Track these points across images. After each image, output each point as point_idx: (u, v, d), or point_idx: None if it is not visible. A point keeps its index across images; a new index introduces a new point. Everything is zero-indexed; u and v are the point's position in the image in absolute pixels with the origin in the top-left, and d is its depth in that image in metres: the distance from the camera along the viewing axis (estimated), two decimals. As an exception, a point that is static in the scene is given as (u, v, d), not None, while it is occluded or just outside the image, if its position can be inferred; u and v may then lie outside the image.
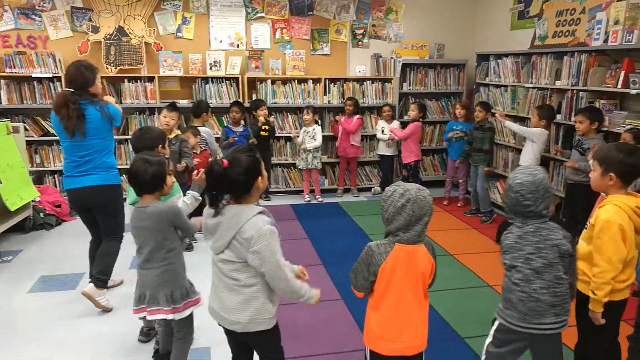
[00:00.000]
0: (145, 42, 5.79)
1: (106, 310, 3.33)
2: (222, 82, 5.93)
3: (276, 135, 5.92)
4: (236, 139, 5.27)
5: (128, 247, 3.64)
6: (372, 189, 6.46)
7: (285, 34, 6.26)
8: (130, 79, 5.69)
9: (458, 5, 6.66)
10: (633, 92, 3.90)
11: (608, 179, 2.20)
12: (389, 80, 6.40)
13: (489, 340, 2.22)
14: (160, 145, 2.90)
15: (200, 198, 2.70)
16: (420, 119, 5.84)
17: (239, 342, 2.17)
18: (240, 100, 5.87)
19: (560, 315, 2.07)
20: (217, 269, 2.04)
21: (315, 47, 6.38)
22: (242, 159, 1.94)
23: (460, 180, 5.92)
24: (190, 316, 2.51)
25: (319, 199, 6.04)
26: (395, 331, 1.97)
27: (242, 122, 5.44)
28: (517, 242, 2.05)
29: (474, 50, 6.40)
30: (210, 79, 5.89)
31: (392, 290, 1.94)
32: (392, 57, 6.44)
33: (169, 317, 2.41)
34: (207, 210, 2.03)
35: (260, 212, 1.96)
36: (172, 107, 4.34)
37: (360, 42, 6.52)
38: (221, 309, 2.05)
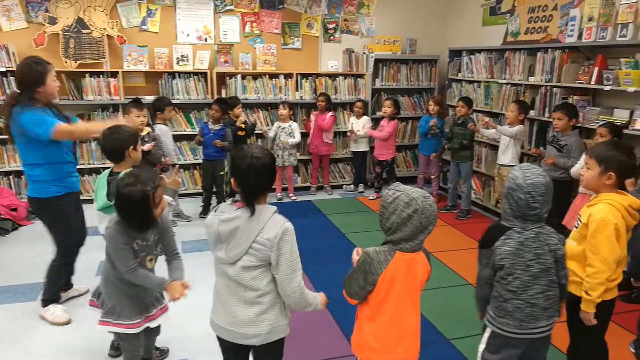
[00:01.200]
0: (107, 35, 5.49)
1: (61, 324, 3.11)
2: (190, 77, 5.69)
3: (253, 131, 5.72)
4: (203, 139, 5.08)
5: (95, 252, 3.43)
6: (344, 187, 6.37)
7: (255, 27, 6.07)
8: (92, 74, 5.38)
9: (429, 0, 6.62)
10: (607, 88, 3.94)
11: (607, 177, 2.15)
12: (361, 76, 6.31)
13: (482, 346, 2.14)
14: (132, 147, 2.67)
15: (174, 203, 2.55)
16: (395, 116, 5.78)
17: (239, 355, 2.04)
18: (209, 95, 5.67)
19: (552, 317, 2.06)
20: (230, 282, 1.89)
21: (287, 42, 6.22)
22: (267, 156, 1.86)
23: (433, 177, 5.90)
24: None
25: (292, 197, 5.91)
26: (391, 342, 1.87)
27: (222, 121, 5.21)
28: (519, 249, 1.95)
29: (446, 45, 6.39)
30: (177, 74, 5.65)
31: (390, 300, 1.82)
32: (364, 53, 6.35)
33: (139, 330, 2.30)
34: (220, 217, 1.85)
35: (275, 211, 1.89)
36: (141, 103, 4.09)
37: (332, 37, 6.40)
38: (233, 324, 1.91)
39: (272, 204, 1.91)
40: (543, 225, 1.98)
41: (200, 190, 5.52)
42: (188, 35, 5.84)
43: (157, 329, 2.51)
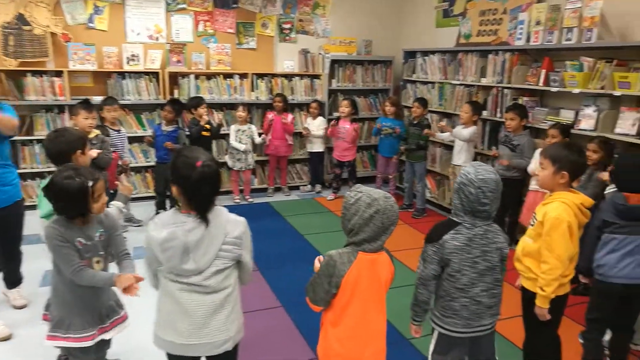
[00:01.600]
0: (50, 33, 5.22)
1: (1, 340, 2.92)
2: (141, 77, 5.50)
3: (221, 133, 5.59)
4: (155, 141, 4.92)
5: (38, 261, 3.24)
6: (301, 188, 6.33)
7: (209, 27, 5.93)
8: (34, 73, 5.10)
9: (384, 1, 6.68)
10: (554, 89, 4.08)
11: (560, 177, 2.21)
12: (317, 77, 6.29)
13: (432, 348, 2.15)
14: (80, 151, 2.52)
15: (126, 210, 2.43)
16: (354, 116, 5.78)
17: None
18: (161, 95, 5.50)
19: (495, 315, 2.10)
20: (195, 292, 1.79)
21: (241, 41, 6.12)
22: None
23: (390, 176, 5.95)
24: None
25: (249, 200, 5.81)
26: (358, 347, 1.84)
27: (178, 123, 5.04)
28: (467, 244, 1.95)
29: (401, 47, 6.47)
30: (127, 74, 5.44)
31: (355, 302, 1.80)
32: (320, 53, 6.34)
33: (91, 343, 2.15)
34: (184, 228, 1.74)
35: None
36: (90, 105, 3.89)
37: (287, 37, 6.35)
38: (204, 336, 1.81)
39: (229, 206, 1.86)
40: (491, 224, 2.01)
41: (153, 194, 5.35)
42: (138, 34, 5.64)
43: (108, 341, 2.38)
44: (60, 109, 5.23)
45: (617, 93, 3.60)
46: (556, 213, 2.13)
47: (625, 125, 3.63)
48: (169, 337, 1.83)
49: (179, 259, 1.74)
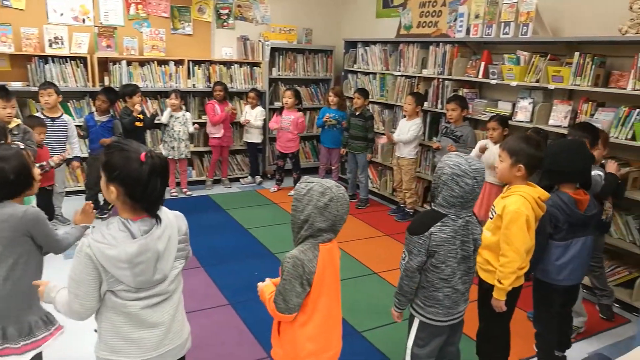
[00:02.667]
0: (-42, 10, 4.69)
1: None
2: (67, 62, 5.08)
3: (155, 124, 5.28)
4: (89, 132, 4.58)
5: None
6: (241, 180, 6.17)
7: (141, 10, 5.58)
8: (-61, 55, 4.57)
9: (324, -10, 6.62)
10: (493, 82, 4.21)
11: (517, 169, 2.25)
12: (257, 65, 6.12)
13: (411, 342, 2.13)
14: (2, 142, 2.27)
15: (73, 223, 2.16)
16: (297, 106, 5.68)
17: None
18: (91, 82, 5.12)
19: (466, 301, 2.13)
20: (156, 299, 1.61)
21: (176, 26, 5.82)
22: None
23: (333, 167, 5.93)
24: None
25: (186, 193, 5.57)
26: (328, 339, 1.82)
27: (110, 112, 4.69)
28: (453, 236, 1.95)
29: (342, 36, 6.43)
30: (50, 58, 5.00)
31: (323, 296, 1.75)
32: (260, 41, 6.16)
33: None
34: (155, 235, 1.55)
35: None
36: (7, 92, 3.52)
37: (225, 23, 6.12)
38: (168, 342, 1.67)
39: (166, 200, 1.67)
40: (472, 214, 2.03)
41: (82, 188, 4.99)
42: (62, 14, 5.19)
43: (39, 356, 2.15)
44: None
45: (551, 86, 3.77)
46: (515, 207, 2.16)
47: (558, 117, 3.81)
48: (133, 357, 1.63)
49: (152, 271, 1.56)
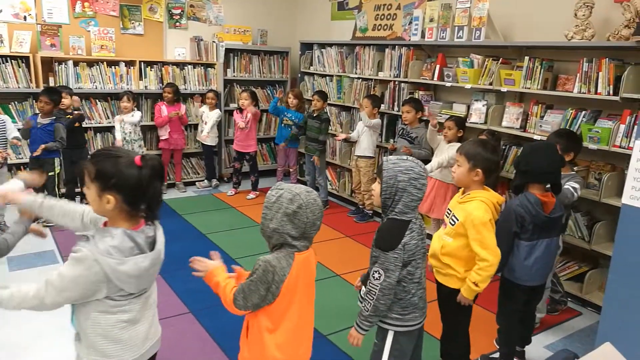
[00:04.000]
0: None
1: None
2: (7, 61, 4.78)
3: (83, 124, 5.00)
4: (31, 132, 4.33)
5: None
6: (197, 184, 6.03)
7: (88, 7, 5.34)
8: None
9: (278, -9, 6.58)
10: (448, 84, 4.31)
11: (474, 174, 2.28)
12: (212, 66, 6.01)
13: (386, 356, 2.03)
14: None
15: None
16: (255, 107, 5.60)
17: None
18: (33, 83, 4.85)
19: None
20: (150, 295, 1.65)
21: (126, 26, 5.61)
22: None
23: (291, 169, 5.90)
24: None
25: (140, 198, 5.38)
26: (296, 349, 1.78)
27: (53, 115, 4.44)
28: (420, 239, 1.95)
29: (297, 38, 6.41)
30: (-11, 57, 4.71)
31: (294, 305, 1.72)
32: (214, 41, 6.05)
33: None
34: (158, 249, 1.56)
35: None
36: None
37: (177, 23, 5.96)
38: (153, 335, 1.70)
39: None
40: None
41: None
42: (1, 11, 4.89)
43: None
44: None
45: (504, 89, 3.90)
46: (480, 212, 2.19)
47: (511, 118, 3.95)
48: (128, 357, 1.61)
49: (153, 279, 1.62)
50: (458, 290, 2.30)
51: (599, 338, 1.41)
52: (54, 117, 4.39)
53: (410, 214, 1.92)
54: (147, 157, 1.52)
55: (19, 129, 4.34)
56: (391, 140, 4.90)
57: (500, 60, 3.98)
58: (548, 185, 2.47)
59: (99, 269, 1.42)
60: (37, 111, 4.51)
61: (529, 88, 3.71)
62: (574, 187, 2.80)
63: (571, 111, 3.52)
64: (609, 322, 1.46)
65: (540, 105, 3.77)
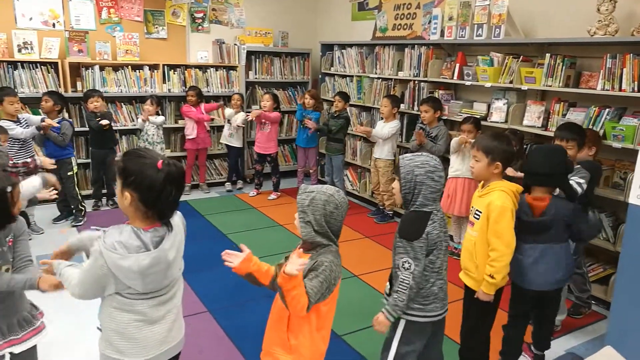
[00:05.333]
0: None
1: None
2: (37, 67, 4.96)
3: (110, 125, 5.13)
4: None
5: None
6: (225, 184, 6.10)
7: (114, 14, 5.49)
8: None
9: (299, -7, 6.62)
10: (467, 83, 4.25)
11: (494, 167, 2.28)
12: (234, 68, 6.08)
13: (396, 342, 2.09)
14: None
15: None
16: (276, 110, 5.65)
17: None
18: (62, 88, 5.00)
19: None
20: (163, 303, 1.67)
21: (150, 31, 5.74)
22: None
23: (311, 170, 5.92)
24: (34, 351, 2.05)
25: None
26: (325, 346, 1.90)
27: (60, 116, 4.58)
28: (440, 229, 1.99)
29: (318, 39, 6.43)
30: (20, 64, 4.88)
31: (334, 300, 1.84)
32: (235, 44, 6.13)
33: (4, 352, 1.92)
34: (167, 244, 1.58)
35: None
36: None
37: (200, 27, 6.06)
38: (172, 339, 1.75)
39: None
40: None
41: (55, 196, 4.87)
42: (31, 19, 5.08)
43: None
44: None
45: (524, 87, 3.83)
46: (501, 202, 2.19)
47: (532, 117, 3.87)
48: (139, 356, 1.67)
49: (162, 279, 1.61)
50: (474, 292, 2.30)
51: (607, 339, 1.37)
52: (62, 117, 4.51)
53: (431, 205, 1.98)
54: (169, 162, 1.57)
55: (39, 130, 4.35)
56: (411, 140, 4.82)
57: (521, 58, 3.90)
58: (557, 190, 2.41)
59: (103, 262, 1.49)
60: (66, 115, 4.66)
61: (550, 86, 3.63)
62: (577, 182, 2.73)
63: (594, 109, 3.42)
64: (618, 322, 1.42)
65: (562, 103, 3.68)
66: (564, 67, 3.54)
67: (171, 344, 1.73)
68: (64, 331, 2.90)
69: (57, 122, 4.42)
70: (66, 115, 4.74)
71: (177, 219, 1.70)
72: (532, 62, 3.91)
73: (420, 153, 2.03)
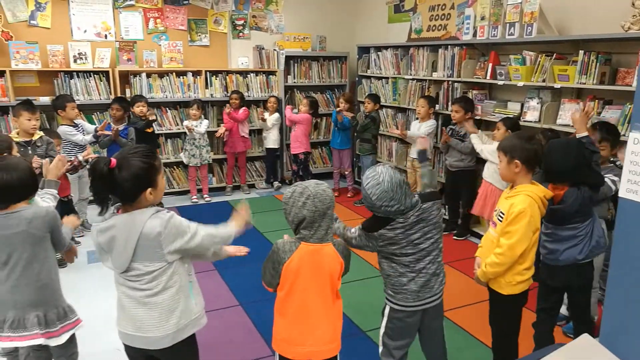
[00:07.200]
0: (-10, 31, 5.00)
1: None
2: (90, 76, 5.34)
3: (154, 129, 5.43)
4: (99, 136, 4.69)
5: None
6: (256, 184, 6.31)
7: (160, 24, 5.82)
8: (-27, 74, 4.88)
9: (337, -3, 6.74)
10: (500, 83, 4.21)
11: (514, 166, 2.24)
12: (273, 73, 6.27)
13: (382, 330, 2.22)
14: (6, 154, 2.48)
15: (59, 196, 2.40)
16: (311, 114, 5.80)
17: None
18: (113, 95, 5.35)
19: (442, 282, 2.17)
20: (127, 288, 1.81)
21: (194, 38, 6.03)
22: (133, 163, 1.72)
23: (346, 172, 6.01)
24: (73, 341, 2.22)
25: (207, 199, 5.75)
26: (300, 335, 1.92)
27: (125, 121, 4.94)
28: (404, 233, 2.02)
29: (355, 42, 6.52)
30: (75, 73, 5.27)
31: (296, 292, 1.88)
32: (274, 49, 6.32)
33: (40, 342, 2.08)
34: (96, 228, 1.80)
35: (156, 211, 1.79)
36: (32, 106, 3.75)
37: (240, 34, 6.30)
38: (139, 330, 1.81)
39: (186, 207, 1.88)
40: (421, 207, 2.09)
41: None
42: (85, 31, 5.47)
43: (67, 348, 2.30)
44: (4, 110, 5.01)
45: (558, 85, 3.76)
46: (522, 206, 2.14)
47: (567, 116, 3.79)
48: (119, 326, 1.88)
49: (100, 256, 1.84)
50: (504, 296, 2.27)
51: (601, 336, 1.36)
52: (128, 123, 4.85)
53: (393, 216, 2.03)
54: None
55: (97, 139, 4.64)
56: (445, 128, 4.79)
57: (555, 55, 3.83)
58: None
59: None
60: (110, 119, 5.00)
61: (584, 83, 3.55)
62: (612, 180, 2.69)
63: (630, 106, 3.32)
64: (611, 318, 1.42)
65: (597, 100, 3.59)
66: (598, 64, 3.46)
67: (136, 334, 1.83)
68: (103, 313, 3.14)
69: (123, 128, 4.77)
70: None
71: (148, 223, 1.75)
72: (566, 59, 3.83)
73: (373, 170, 2.00)
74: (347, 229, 2.16)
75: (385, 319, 2.19)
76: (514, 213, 2.15)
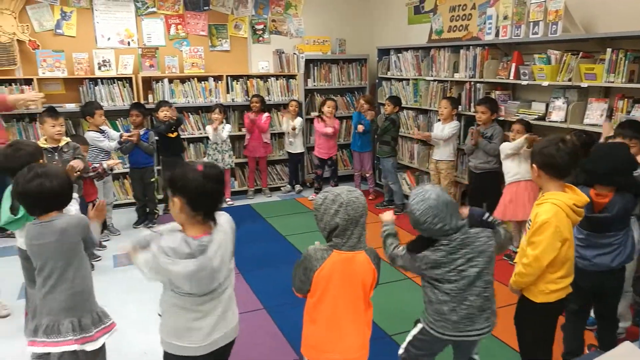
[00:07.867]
0: (17, 40, 5.12)
1: None
2: (114, 82, 5.43)
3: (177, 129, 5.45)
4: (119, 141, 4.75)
5: (15, 276, 3.20)
6: (282, 188, 6.33)
7: (181, 30, 5.89)
8: (2, 82, 5.00)
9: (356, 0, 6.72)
10: (524, 83, 4.15)
11: (534, 172, 2.19)
12: (293, 77, 6.29)
13: (410, 339, 2.20)
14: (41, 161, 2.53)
15: (86, 200, 2.49)
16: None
17: None
18: (136, 101, 5.43)
19: (490, 318, 2.07)
20: (214, 299, 1.86)
21: (214, 44, 6.08)
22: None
23: (367, 175, 5.99)
24: (103, 347, 2.24)
25: (229, 202, 5.79)
26: (329, 342, 1.89)
27: (145, 126, 5.02)
28: (448, 256, 1.98)
29: (374, 44, 6.49)
30: (99, 80, 5.36)
31: (327, 299, 1.86)
32: (294, 53, 6.34)
33: (74, 348, 2.10)
34: (207, 257, 1.74)
35: None
36: (55, 112, 3.83)
37: (260, 38, 6.33)
38: (225, 327, 1.92)
39: None
40: (467, 231, 2.07)
41: (132, 201, 5.30)
42: (109, 39, 5.57)
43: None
44: (32, 117, 5.13)
45: (584, 84, 3.68)
46: (546, 216, 2.06)
47: (594, 115, 3.71)
48: (192, 343, 1.84)
49: (208, 284, 1.79)
50: (536, 304, 2.21)
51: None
52: (148, 129, 4.92)
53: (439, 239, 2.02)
54: (207, 165, 1.76)
55: (120, 144, 4.70)
56: (466, 140, 4.74)
57: (581, 54, 3.75)
58: None
59: (155, 266, 1.72)
60: (129, 125, 5.08)
61: (612, 82, 3.47)
62: None
63: (661, 105, 3.25)
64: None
65: (626, 99, 3.51)
66: (627, 62, 3.38)
67: (223, 331, 1.90)
68: (129, 317, 3.18)
69: (144, 132, 4.84)
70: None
71: (225, 222, 1.88)
72: (592, 58, 3.75)
73: (420, 188, 2.05)
74: (397, 246, 2.18)
75: (416, 330, 2.16)
76: (538, 223, 2.08)
